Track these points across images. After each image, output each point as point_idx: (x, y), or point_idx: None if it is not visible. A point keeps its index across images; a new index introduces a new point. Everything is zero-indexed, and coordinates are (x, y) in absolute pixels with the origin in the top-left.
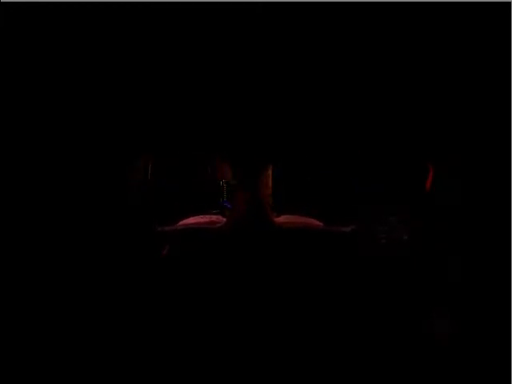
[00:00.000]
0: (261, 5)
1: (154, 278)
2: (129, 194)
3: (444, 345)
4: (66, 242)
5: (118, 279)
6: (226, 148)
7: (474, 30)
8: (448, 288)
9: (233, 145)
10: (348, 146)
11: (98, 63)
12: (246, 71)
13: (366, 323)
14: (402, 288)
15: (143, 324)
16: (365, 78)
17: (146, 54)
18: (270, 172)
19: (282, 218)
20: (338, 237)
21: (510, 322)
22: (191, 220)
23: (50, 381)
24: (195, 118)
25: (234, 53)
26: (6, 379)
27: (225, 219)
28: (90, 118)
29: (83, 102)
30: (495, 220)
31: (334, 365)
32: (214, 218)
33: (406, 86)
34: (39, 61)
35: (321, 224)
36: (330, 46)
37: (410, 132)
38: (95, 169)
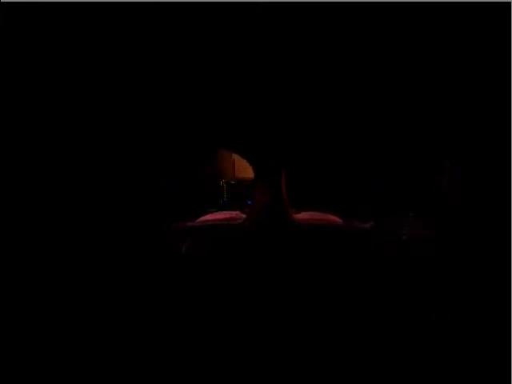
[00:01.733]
0: (261, 5)
1: (173, 273)
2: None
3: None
4: (82, 239)
5: (137, 275)
6: (249, 145)
7: (475, 30)
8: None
9: (255, 142)
10: (360, 143)
11: (97, 63)
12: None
13: (385, 320)
14: (422, 285)
15: (162, 319)
16: (366, 80)
17: (149, 53)
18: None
19: (302, 215)
20: (359, 233)
21: (511, 323)
22: (210, 216)
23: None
24: (216, 116)
25: (248, 55)
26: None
27: (244, 215)
28: (90, 117)
29: (83, 102)
30: (498, 218)
31: (353, 361)
32: (234, 213)
33: (407, 86)
34: (39, 61)
35: (340, 221)
36: (332, 45)
37: (424, 129)
38: (98, 168)
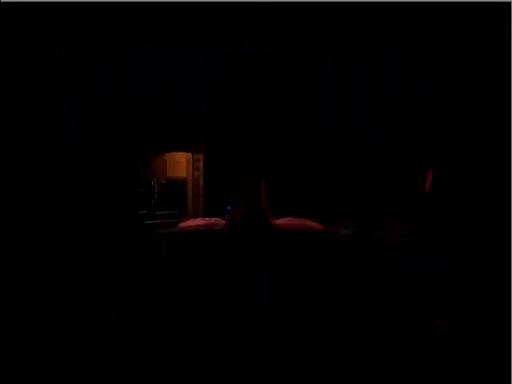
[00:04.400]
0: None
1: (154, 278)
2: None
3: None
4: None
5: (119, 280)
6: (228, 151)
7: (474, 30)
8: (447, 289)
9: (235, 148)
10: (346, 149)
11: (96, 62)
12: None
13: (366, 324)
14: (400, 290)
15: (144, 326)
16: (363, 82)
17: None
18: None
19: (282, 220)
20: (339, 239)
21: (511, 324)
22: (190, 222)
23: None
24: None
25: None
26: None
27: (223, 221)
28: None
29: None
30: (495, 221)
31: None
32: (213, 220)
33: (405, 87)
34: (38, 60)
35: (321, 226)
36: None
37: (408, 135)
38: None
